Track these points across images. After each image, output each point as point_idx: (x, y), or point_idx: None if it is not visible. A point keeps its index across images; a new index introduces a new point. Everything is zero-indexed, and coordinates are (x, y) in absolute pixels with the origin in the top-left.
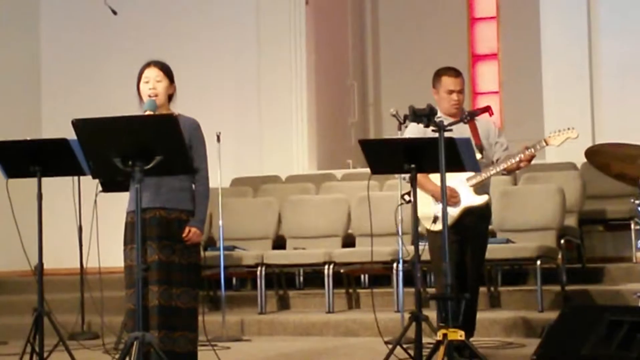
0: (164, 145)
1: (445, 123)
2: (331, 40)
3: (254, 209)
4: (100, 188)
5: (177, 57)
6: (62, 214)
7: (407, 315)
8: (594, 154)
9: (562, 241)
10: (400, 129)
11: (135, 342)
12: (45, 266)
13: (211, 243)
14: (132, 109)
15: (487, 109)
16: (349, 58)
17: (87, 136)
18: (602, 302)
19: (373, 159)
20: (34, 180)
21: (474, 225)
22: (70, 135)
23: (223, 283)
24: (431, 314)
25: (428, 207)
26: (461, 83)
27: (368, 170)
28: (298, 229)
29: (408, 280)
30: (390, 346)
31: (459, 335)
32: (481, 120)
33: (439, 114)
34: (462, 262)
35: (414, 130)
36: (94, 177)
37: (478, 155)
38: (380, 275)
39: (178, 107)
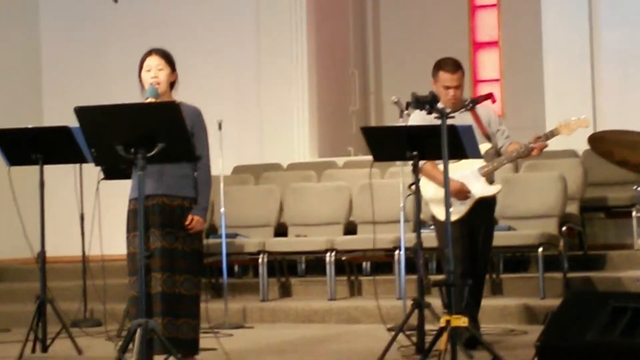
0: (166, 133)
1: (448, 110)
2: (332, 28)
3: (255, 197)
4: (102, 175)
5: (178, 46)
6: (64, 201)
7: (409, 303)
8: (597, 140)
9: (564, 228)
10: (401, 116)
11: (138, 329)
12: (47, 254)
13: (213, 230)
14: (134, 99)
15: (490, 96)
16: (350, 46)
17: (90, 123)
18: (603, 289)
19: (375, 147)
20: (36, 168)
21: (484, 214)
22: (72, 124)
23: (225, 270)
24: (433, 301)
25: (441, 198)
26: (459, 78)
27: (370, 157)
28: (300, 216)
29: (410, 268)
30: (392, 333)
31: (462, 321)
32: (481, 109)
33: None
34: (474, 251)
35: (418, 118)
36: (96, 165)
37: (488, 145)
38: (382, 263)
39: (179, 95)
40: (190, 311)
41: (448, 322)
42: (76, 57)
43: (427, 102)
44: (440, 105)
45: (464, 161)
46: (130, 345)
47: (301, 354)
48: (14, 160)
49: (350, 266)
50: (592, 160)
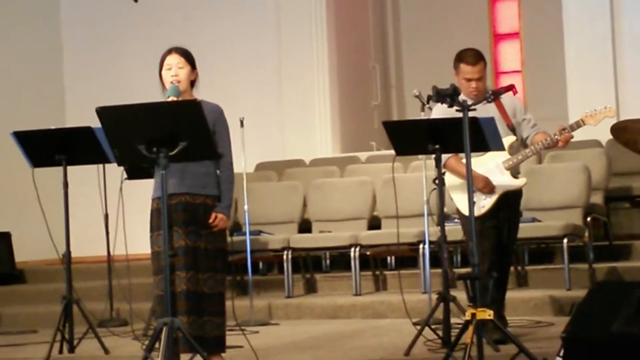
0: (188, 131)
1: (469, 102)
2: (352, 23)
3: (279, 193)
4: (125, 175)
5: (199, 43)
6: (88, 202)
7: (434, 296)
8: (619, 130)
9: (589, 219)
10: (423, 109)
11: (164, 328)
12: (72, 254)
13: (237, 228)
14: (155, 96)
15: (511, 88)
16: (370, 40)
17: (111, 124)
18: (629, 279)
19: (397, 141)
20: (60, 169)
21: (509, 207)
22: (94, 123)
23: (250, 268)
24: (459, 294)
25: (465, 192)
26: (480, 70)
27: (392, 152)
28: (323, 212)
29: (435, 261)
30: (418, 327)
31: (487, 314)
32: (506, 99)
33: (462, 96)
34: (500, 244)
35: (440, 112)
36: (119, 165)
37: (512, 137)
38: (406, 257)
39: (200, 93)
40: (214, 309)
41: (473, 315)
42: (97, 56)
43: (448, 95)
44: (462, 97)
45: (488, 155)
46: (157, 344)
47: (327, 350)
48: (38, 161)
49: (375, 261)
50: (616, 150)
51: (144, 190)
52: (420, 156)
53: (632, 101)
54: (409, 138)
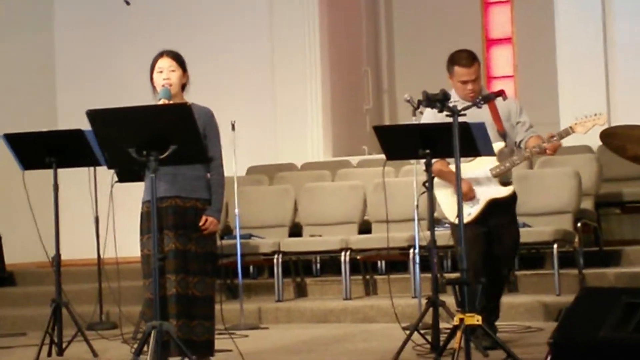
0: (179, 135)
1: (459, 107)
2: (345, 27)
3: (270, 197)
4: (115, 178)
5: (191, 46)
6: (79, 204)
7: (424, 301)
8: (608, 136)
9: (579, 224)
10: (414, 114)
11: (153, 331)
12: (62, 257)
13: (228, 231)
14: (147, 99)
15: (501, 93)
16: (363, 44)
17: (102, 126)
18: (619, 285)
19: (388, 145)
20: (50, 171)
21: (501, 215)
22: (86, 126)
23: (240, 271)
24: (448, 299)
25: (453, 199)
26: (475, 72)
27: (383, 156)
28: (314, 216)
29: (425, 266)
30: (407, 332)
31: (475, 319)
32: (502, 101)
33: (457, 97)
34: (489, 253)
35: (430, 116)
36: (109, 168)
37: (501, 144)
38: (396, 261)
39: (192, 97)
40: (204, 313)
41: (462, 320)
42: (89, 59)
43: (438, 100)
44: (459, 100)
45: (477, 161)
46: (146, 348)
47: (317, 354)
48: (28, 164)
49: (365, 265)
50: (606, 156)
51: (135, 193)
52: (411, 161)
53: (623, 107)
54: (399, 143)
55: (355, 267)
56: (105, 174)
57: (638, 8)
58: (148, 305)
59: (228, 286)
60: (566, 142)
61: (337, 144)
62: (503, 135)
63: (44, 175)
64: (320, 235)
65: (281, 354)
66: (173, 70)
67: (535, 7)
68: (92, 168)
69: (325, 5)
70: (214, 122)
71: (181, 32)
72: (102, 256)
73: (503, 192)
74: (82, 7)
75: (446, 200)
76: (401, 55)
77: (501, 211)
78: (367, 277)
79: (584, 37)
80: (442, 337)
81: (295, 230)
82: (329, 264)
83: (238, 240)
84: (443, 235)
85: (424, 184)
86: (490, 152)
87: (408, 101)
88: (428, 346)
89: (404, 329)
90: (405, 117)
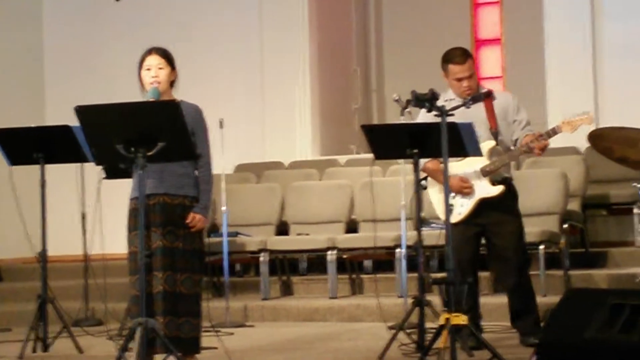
0: (167, 132)
1: (448, 107)
2: (334, 26)
3: (257, 195)
4: (103, 175)
5: (179, 43)
6: (66, 201)
7: (410, 301)
8: (596, 137)
9: (565, 226)
10: (402, 114)
11: (138, 328)
12: (49, 253)
13: (214, 229)
14: (135, 96)
15: (490, 93)
16: (352, 43)
17: (90, 123)
18: (605, 287)
19: (376, 145)
20: (38, 167)
21: (494, 214)
22: (74, 122)
23: (227, 269)
24: (434, 299)
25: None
26: (469, 68)
27: (371, 155)
28: (301, 214)
29: (411, 266)
30: (393, 331)
31: (462, 319)
32: (500, 98)
33: (453, 96)
34: (477, 253)
35: (426, 116)
36: (97, 164)
37: (492, 143)
38: (383, 261)
39: (180, 93)
40: (191, 310)
41: (447, 320)
42: (78, 55)
43: (426, 100)
44: (456, 98)
45: (467, 160)
46: (131, 344)
47: (302, 353)
48: (16, 159)
49: (352, 264)
50: (593, 157)
51: (122, 190)
52: (399, 160)
53: (611, 108)
54: (387, 142)
55: (342, 266)
56: (93, 171)
57: (626, 9)
58: (134, 302)
59: (214, 284)
60: (553, 143)
61: (325, 142)
62: (495, 134)
63: (32, 171)
64: (307, 234)
65: (267, 352)
66: (161, 68)
67: (524, 8)
68: (79, 164)
69: (314, 4)
70: (203, 119)
71: (170, 29)
72: (88, 253)
73: (493, 191)
74: (71, 3)
75: (439, 199)
76: (390, 55)
77: (494, 209)
78: (354, 276)
79: (572, 38)
80: (428, 337)
81: (282, 229)
82: (316, 262)
83: (225, 238)
84: (430, 235)
85: (419, 182)
86: (477, 153)
87: (397, 101)
88: (414, 345)
89: (390, 328)
90: (394, 117)
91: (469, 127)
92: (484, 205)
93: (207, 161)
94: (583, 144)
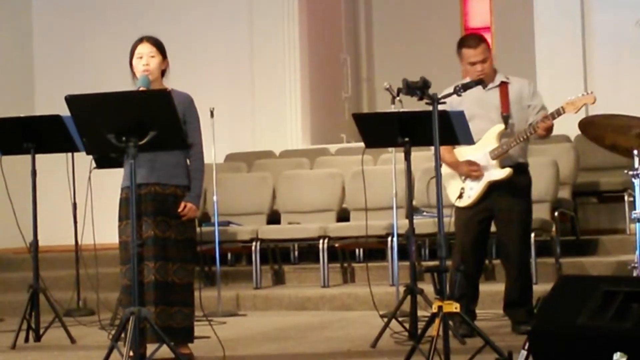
0: (158, 121)
1: (439, 95)
2: (324, 15)
3: (248, 185)
4: (94, 164)
5: (169, 32)
6: (57, 190)
7: (402, 289)
8: (587, 125)
9: (556, 213)
10: (393, 102)
11: (131, 318)
12: (40, 243)
13: (206, 218)
14: (126, 85)
15: (481, 82)
16: (342, 32)
17: (81, 112)
18: (596, 274)
19: (367, 133)
20: (28, 157)
21: (503, 198)
22: (64, 111)
23: (218, 258)
24: (426, 287)
25: (456, 181)
26: (483, 52)
27: (362, 144)
28: (293, 203)
29: (403, 254)
30: (385, 319)
31: (454, 307)
32: (514, 84)
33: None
34: (483, 239)
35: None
36: (87, 154)
37: (501, 126)
38: (375, 250)
39: (171, 83)
40: (183, 299)
41: (440, 307)
42: (68, 44)
43: (418, 88)
44: (470, 81)
45: (477, 144)
46: (123, 334)
47: (294, 341)
48: (6, 149)
49: (343, 253)
50: (584, 145)
51: (113, 180)
52: (389, 149)
53: (601, 97)
54: (378, 130)
55: (334, 255)
56: (84, 160)
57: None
58: (125, 291)
59: (206, 273)
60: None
61: (315, 131)
62: (506, 118)
63: (22, 161)
64: (298, 223)
65: (259, 341)
66: (153, 56)
67: None
68: (70, 154)
69: None
70: (194, 108)
71: (161, 19)
72: (79, 242)
73: (500, 174)
74: None
75: (448, 183)
76: (380, 43)
77: (504, 194)
78: (345, 265)
79: (562, 27)
80: (420, 325)
81: (274, 218)
82: (307, 251)
83: (216, 227)
84: (421, 224)
85: (409, 170)
86: (469, 141)
87: (388, 89)
88: (406, 334)
89: (382, 316)
90: (384, 106)
91: (461, 115)
92: (493, 189)
93: (199, 150)
94: (574, 132)
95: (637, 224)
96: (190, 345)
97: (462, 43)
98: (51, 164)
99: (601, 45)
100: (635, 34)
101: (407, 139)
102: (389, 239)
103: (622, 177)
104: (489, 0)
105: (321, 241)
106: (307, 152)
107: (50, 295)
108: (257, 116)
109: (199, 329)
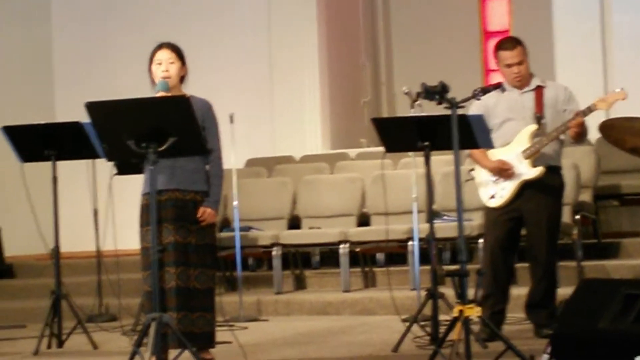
0: (178, 127)
1: (458, 100)
2: (343, 20)
3: (268, 190)
4: (115, 171)
5: (188, 38)
6: (78, 197)
7: (423, 293)
8: (607, 128)
9: (578, 217)
10: (412, 107)
11: (152, 323)
12: (61, 249)
13: (226, 224)
14: (145, 92)
15: (499, 85)
16: (361, 37)
17: (101, 119)
18: (618, 277)
19: (386, 138)
20: (49, 164)
21: (537, 199)
22: (84, 119)
23: (239, 264)
24: (447, 291)
25: (489, 182)
26: (519, 54)
27: (382, 149)
28: (313, 208)
29: (424, 258)
30: (407, 324)
31: (475, 311)
32: (550, 88)
33: (505, 85)
34: (513, 239)
35: (476, 109)
36: (108, 160)
37: (534, 126)
38: (395, 254)
39: (190, 89)
40: (205, 305)
41: (461, 312)
42: (88, 51)
43: (436, 92)
44: (507, 85)
45: (511, 144)
46: (145, 340)
47: (316, 346)
48: (27, 156)
49: (364, 257)
50: (605, 148)
51: (134, 186)
52: (409, 153)
53: None
54: (398, 135)
55: (354, 259)
56: (105, 167)
57: (636, 1)
58: (147, 297)
59: (227, 278)
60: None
61: (335, 136)
62: (539, 118)
63: (43, 168)
64: (319, 228)
65: (280, 346)
66: (172, 62)
67: None
68: (91, 161)
69: None
70: (213, 114)
71: (180, 25)
72: (101, 248)
73: (532, 172)
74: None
75: (479, 183)
76: (399, 48)
77: (535, 194)
78: (366, 269)
79: (581, 28)
80: (442, 329)
81: (294, 223)
82: (328, 256)
83: (237, 233)
84: (442, 228)
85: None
86: (488, 145)
87: (407, 93)
88: (428, 338)
89: (404, 321)
90: (403, 110)
91: (480, 119)
92: (525, 188)
93: (218, 155)
94: (594, 134)
95: None
96: (211, 350)
97: (499, 46)
98: (72, 170)
99: (620, 46)
100: None
101: (426, 143)
102: (410, 243)
103: None
104: (507, 3)
105: (342, 246)
106: (327, 156)
107: (72, 301)
108: (276, 121)
109: (221, 334)
